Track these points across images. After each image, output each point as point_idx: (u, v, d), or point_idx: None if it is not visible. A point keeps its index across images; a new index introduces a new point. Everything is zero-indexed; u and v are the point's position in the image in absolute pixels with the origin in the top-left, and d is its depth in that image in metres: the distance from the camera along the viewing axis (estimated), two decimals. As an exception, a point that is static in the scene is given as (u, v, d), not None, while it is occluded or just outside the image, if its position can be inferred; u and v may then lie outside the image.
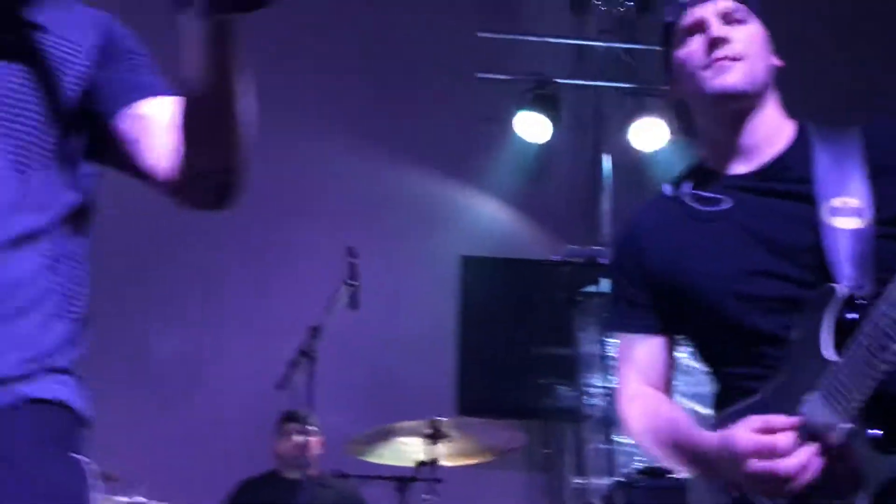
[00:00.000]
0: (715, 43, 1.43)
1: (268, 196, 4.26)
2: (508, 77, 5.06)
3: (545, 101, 4.99)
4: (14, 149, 1.10)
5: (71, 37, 1.18)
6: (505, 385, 4.80)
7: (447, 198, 5.13)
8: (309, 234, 4.82)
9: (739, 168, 1.48)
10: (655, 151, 4.99)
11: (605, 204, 4.97)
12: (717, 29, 1.45)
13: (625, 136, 5.00)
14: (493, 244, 5.05)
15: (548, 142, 5.03)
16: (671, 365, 1.55)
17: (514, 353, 4.82)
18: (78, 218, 1.19)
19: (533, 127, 5.00)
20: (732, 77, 1.42)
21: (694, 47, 1.47)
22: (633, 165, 5.07)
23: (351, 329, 3.62)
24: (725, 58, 1.43)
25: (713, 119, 1.51)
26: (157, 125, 1.16)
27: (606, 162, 5.10)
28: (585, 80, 5.22)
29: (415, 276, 4.89)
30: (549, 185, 5.13)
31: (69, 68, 1.16)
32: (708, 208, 1.47)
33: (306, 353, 3.31)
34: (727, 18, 1.46)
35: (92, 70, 1.18)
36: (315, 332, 3.34)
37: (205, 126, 1.07)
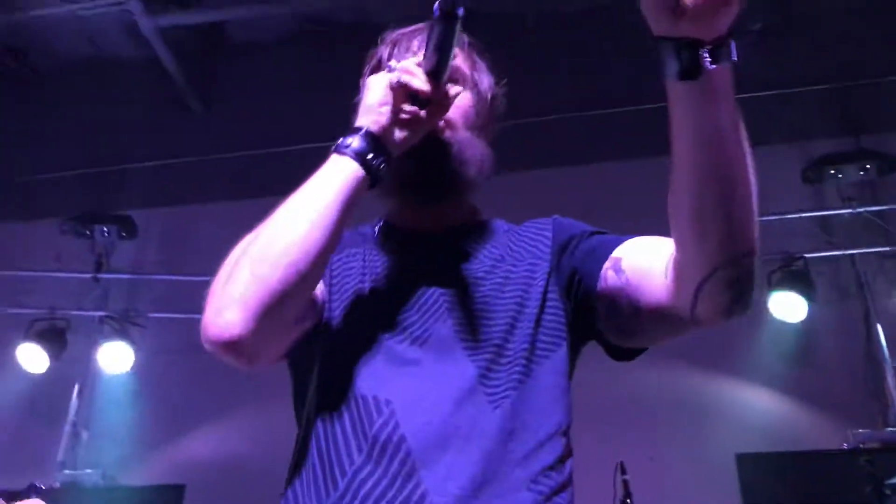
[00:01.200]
0: None
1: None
2: (754, 260, 4.87)
3: (796, 279, 4.75)
4: (489, 382, 1.09)
5: (525, 253, 1.24)
6: None
7: (712, 394, 4.83)
8: (578, 451, 4.66)
9: None
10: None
11: (890, 379, 4.51)
12: None
13: (894, 302, 4.62)
14: (768, 437, 4.64)
15: (808, 319, 4.72)
16: None
17: (817, 558, 4.30)
18: (565, 438, 1.13)
19: (788, 307, 4.73)
20: None
21: None
22: (909, 333, 4.65)
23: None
24: None
25: None
26: (640, 263, 1.13)
27: (880, 332, 4.69)
28: (835, 250, 4.94)
29: (690, 480, 4.56)
30: (819, 366, 4.73)
31: (532, 282, 1.20)
32: None
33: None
34: None
35: (556, 268, 1.22)
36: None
37: (713, 203, 0.96)
